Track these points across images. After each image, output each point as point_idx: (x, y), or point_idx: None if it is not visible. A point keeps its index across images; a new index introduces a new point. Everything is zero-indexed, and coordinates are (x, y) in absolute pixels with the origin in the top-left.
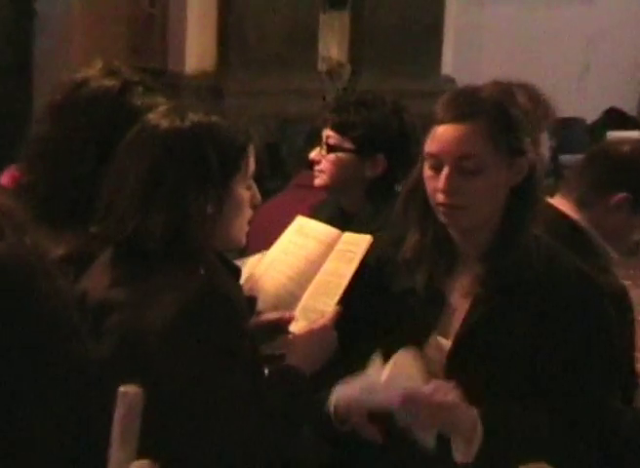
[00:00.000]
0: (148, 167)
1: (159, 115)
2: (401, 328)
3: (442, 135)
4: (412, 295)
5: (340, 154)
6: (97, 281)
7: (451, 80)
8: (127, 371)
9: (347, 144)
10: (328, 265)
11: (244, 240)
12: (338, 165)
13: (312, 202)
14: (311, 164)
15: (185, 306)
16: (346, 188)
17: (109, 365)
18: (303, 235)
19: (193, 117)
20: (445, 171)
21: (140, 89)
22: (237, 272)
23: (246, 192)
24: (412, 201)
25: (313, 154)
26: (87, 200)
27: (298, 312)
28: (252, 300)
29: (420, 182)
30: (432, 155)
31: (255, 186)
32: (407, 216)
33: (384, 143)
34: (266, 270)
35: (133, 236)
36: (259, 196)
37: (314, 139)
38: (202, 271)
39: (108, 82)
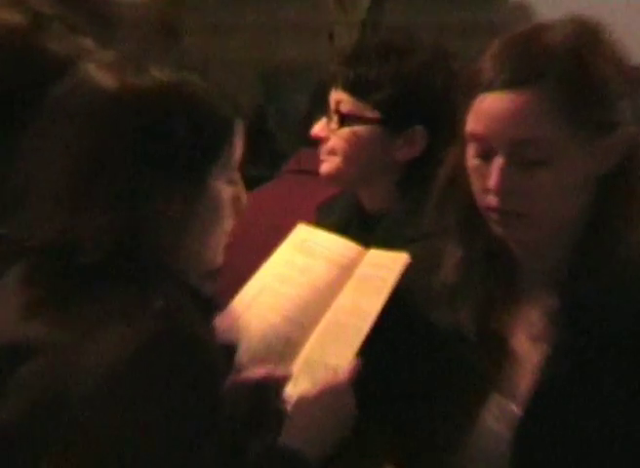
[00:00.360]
0: (84, 146)
1: (102, 68)
2: (444, 389)
3: (491, 108)
4: (457, 340)
5: (357, 128)
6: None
7: (523, 7)
8: (42, 445)
9: (369, 112)
10: (344, 299)
11: (219, 258)
12: (355, 144)
13: (317, 198)
14: (315, 141)
15: (131, 354)
16: (368, 178)
17: (17, 434)
18: (307, 252)
19: (156, 72)
20: (497, 161)
21: (60, 27)
22: (210, 306)
23: (227, 189)
24: (450, 201)
25: (317, 127)
26: None
27: (298, 368)
28: (229, 348)
29: (460, 173)
30: (478, 137)
31: (241, 183)
32: (444, 224)
33: (424, 109)
34: (252, 304)
35: (56, 245)
36: (245, 197)
37: (319, 102)
38: (158, 302)
39: (10, 17)
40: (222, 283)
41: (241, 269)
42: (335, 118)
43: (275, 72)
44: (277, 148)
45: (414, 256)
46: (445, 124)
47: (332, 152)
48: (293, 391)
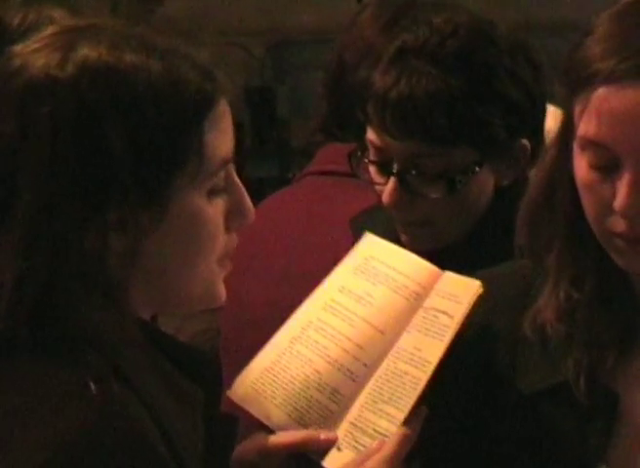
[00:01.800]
0: None
1: (29, 49)
2: (536, 459)
3: (617, 106)
4: (555, 399)
5: (462, 186)
6: None
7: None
8: None
9: (466, 156)
10: (405, 341)
11: (219, 290)
12: (466, 207)
13: (350, 208)
14: (337, 131)
15: (51, 460)
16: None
17: None
18: (369, 275)
19: (86, 54)
20: (626, 176)
21: None
22: (200, 362)
23: (211, 202)
24: (545, 224)
25: (388, 196)
26: None
27: (342, 432)
28: (230, 421)
29: (557, 188)
30: (599, 144)
31: (239, 188)
32: (537, 253)
33: (521, 118)
34: (295, 343)
35: None
36: (247, 204)
37: (341, 82)
38: (92, 387)
39: None
40: (228, 316)
41: (256, 301)
42: (413, 180)
43: (285, 44)
44: (289, 140)
45: (496, 286)
46: (538, 132)
47: (426, 223)
48: (333, 464)
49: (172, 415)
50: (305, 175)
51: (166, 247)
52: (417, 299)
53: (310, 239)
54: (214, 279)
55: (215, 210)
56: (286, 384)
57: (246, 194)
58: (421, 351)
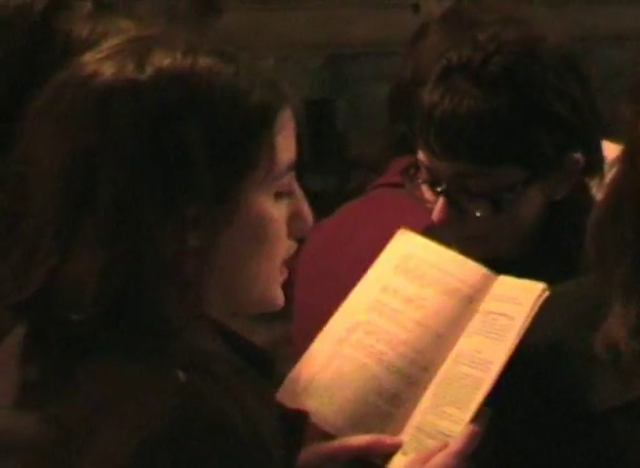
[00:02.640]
0: (70, 159)
1: (101, 55)
2: None
3: None
4: (629, 417)
5: (514, 206)
6: None
7: None
8: None
9: (515, 175)
10: (464, 344)
11: (277, 295)
12: (518, 225)
13: (422, 220)
14: (400, 145)
15: (145, 447)
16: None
17: None
18: (414, 275)
19: (162, 58)
20: None
21: (89, 5)
22: (267, 362)
23: (276, 205)
24: (615, 240)
25: (438, 214)
26: None
27: (406, 436)
28: (298, 418)
29: (625, 204)
30: None
31: (300, 194)
32: (606, 270)
33: (571, 131)
34: (343, 347)
35: (37, 302)
36: (307, 211)
37: (401, 94)
38: (181, 376)
39: None
40: (301, 328)
41: (329, 313)
42: (461, 199)
43: (344, 56)
44: (347, 153)
45: (566, 303)
46: (596, 146)
47: (476, 239)
48: (400, 463)
49: (251, 405)
50: (377, 187)
51: (235, 245)
52: (471, 302)
53: (381, 251)
54: (274, 282)
55: (280, 212)
56: (343, 390)
57: (306, 202)
58: (482, 353)
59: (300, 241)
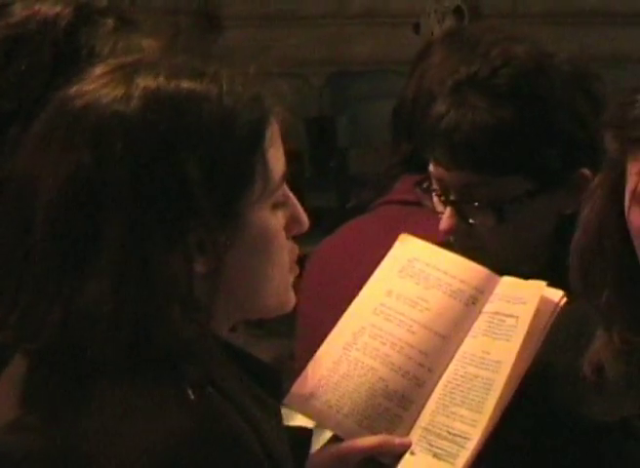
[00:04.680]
0: (71, 194)
1: (93, 85)
2: None
3: None
4: (615, 436)
5: (516, 217)
6: None
7: None
8: None
9: (519, 186)
10: (471, 345)
11: (289, 298)
12: (521, 237)
13: (430, 235)
14: (400, 162)
15: (156, 464)
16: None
17: None
18: (418, 278)
19: (147, 86)
20: None
21: (111, 22)
22: (274, 379)
23: (275, 215)
24: (596, 267)
25: (445, 224)
26: None
27: (415, 437)
28: (303, 433)
29: (606, 233)
30: None
31: (292, 199)
32: (589, 295)
33: (576, 147)
34: (350, 350)
35: (51, 346)
36: (302, 213)
37: (403, 111)
38: (191, 394)
39: (49, 9)
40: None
41: (332, 328)
42: (467, 209)
43: (344, 74)
44: (347, 170)
45: (557, 325)
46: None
47: (483, 248)
48: (410, 463)
49: (262, 423)
50: (382, 204)
51: (242, 261)
52: (474, 303)
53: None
54: (285, 286)
55: (278, 221)
56: (351, 393)
57: (299, 205)
58: (491, 354)
59: (302, 260)
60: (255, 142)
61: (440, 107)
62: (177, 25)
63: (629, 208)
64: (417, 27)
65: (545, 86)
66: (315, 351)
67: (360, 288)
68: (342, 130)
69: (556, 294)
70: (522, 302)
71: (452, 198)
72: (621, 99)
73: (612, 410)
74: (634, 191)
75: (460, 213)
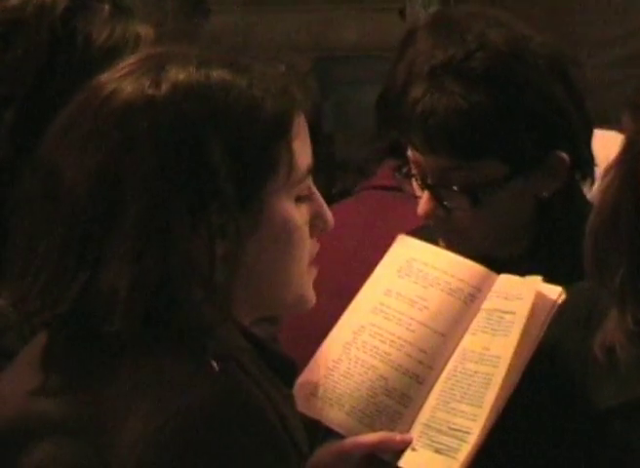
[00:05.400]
0: (95, 176)
1: (118, 74)
2: None
3: None
4: (627, 417)
5: (493, 200)
6: (14, 386)
7: None
8: None
9: (494, 170)
10: (470, 342)
11: (309, 293)
12: (500, 221)
13: (409, 222)
14: (384, 146)
15: (181, 433)
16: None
17: None
18: (417, 278)
19: (177, 73)
20: None
21: (107, 8)
22: (291, 369)
23: (298, 208)
24: (611, 248)
25: (424, 207)
26: None
27: (416, 433)
28: (313, 425)
29: (622, 214)
30: None
31: (318, 196)
32: (603, 277)
33: (551, 129)
34: (350, 349)
35: (73, 316)
36: (327, 211)
37: (388, 97)
38: (215, 366)
39: None
40: (290, 329)
41: (316, 316)
42: (442, 192)
43: (332, 59)
44: (333, 155)
45: (564, 307)
46: (585, 141)
47: (462, 234)
48: (411, 458)
49: (280, 404)
50: (365, 189)
51: (262, 251)
52: (473, 301)
53: (368, 253)
54: (305, 283)
55: (302, 216)
56: (352, 391)
57: (324, 202)
58: (490, 350)
59: None
60: (280, 132)
61: (416, 92)
62: (163, 10)
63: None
64: (402, 13)
65: (520, 70)
66: (298, 339)
67: (343, 273)
68: (328, 115)
69: (554, 291)
70: (519, 298)
71: (429, 182)
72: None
73: (623, 392)
74: None
75: (437, 197)
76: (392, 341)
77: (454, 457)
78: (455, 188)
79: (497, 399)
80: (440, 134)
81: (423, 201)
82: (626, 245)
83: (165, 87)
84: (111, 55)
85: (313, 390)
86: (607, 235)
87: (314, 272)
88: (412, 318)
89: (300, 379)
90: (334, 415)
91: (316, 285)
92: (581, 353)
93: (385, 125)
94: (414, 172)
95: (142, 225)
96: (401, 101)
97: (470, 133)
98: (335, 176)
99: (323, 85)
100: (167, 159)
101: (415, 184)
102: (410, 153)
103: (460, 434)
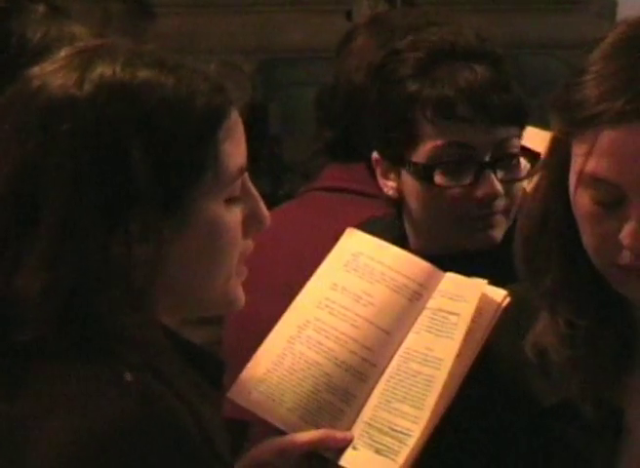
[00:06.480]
0: (14, 175)
1: (48, 69)
2: None
3: (626, 147)
4: (560, 418)
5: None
6: None
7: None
8: None
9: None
10: (414, 341)
11: (239, 297)
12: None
13: (357, 221)
14: (327, 147)
15: (88, 446)
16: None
17: None
18: (362, 272)
19: (102, 72)
20: (636, 212)
21: (42, 9)
22: (219, 370)
23: (229, 210)
24: (541, 250)
25: (493, 187)
26: None
27: (357, 432)
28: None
29: (551, 217)
30: (606, 182)
31: (254, 195)
32: (533, 278)
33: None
34: (294, 344)
35: None
36: (264, 210)
37: (333, 98)
38: (128, 377)
39: None
40: (233, 330)
41: (260, 315)
42: (510, 162)
43: (277, 60)
44: (280, 157)
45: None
46: None
47: (505, 213)
48: (352, 457)
49: (201, 411)
50: (309, 191)
51: (188, 254)
52: (418, 299)
53: (312, 253)
54: (233, 284)
55: (233, 217)
56: (294, 387)
57: (261, 201)
58: (434, 351)
59: None
60: (207, 133)
61: (440, 77)
62: (107, 12)
63: (575, 190)
64: (349, 14)
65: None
66: (242, 338)
67: (287, 272)
68: (274, 117)
69: (499, 294)
70: (463, 300)
71: (486, 159)
72: (567, 81)
73: (555, 393)
74: (580, 172)
75: (496, 173)
76: (337, 337)
77: (393, 459)
78: (518, 157)
79: (438, 402)
80: (501, 103)
81: (493, 181)
82: (555, 247)
83: (88, 87)
84: (46, 54)
85: (256, 384)
86: (536, 237)
87: (244, 272)
88: (357, 314)
89: (243, 374)
90: (275, 411)
91: (259, 284)
92: (513, 355)
93: (324, 126)
94: (448, 158)
95: (57, 230)
96: (412, 97)
97: (518, 100)
98: (281, 178)
99: (269, 86)
100: (84, 162)
101: (442, 176)
102: (453, 138)
103: (400, 436)
